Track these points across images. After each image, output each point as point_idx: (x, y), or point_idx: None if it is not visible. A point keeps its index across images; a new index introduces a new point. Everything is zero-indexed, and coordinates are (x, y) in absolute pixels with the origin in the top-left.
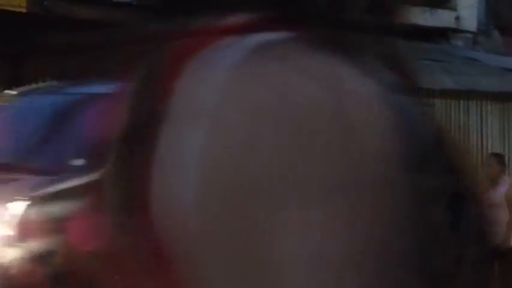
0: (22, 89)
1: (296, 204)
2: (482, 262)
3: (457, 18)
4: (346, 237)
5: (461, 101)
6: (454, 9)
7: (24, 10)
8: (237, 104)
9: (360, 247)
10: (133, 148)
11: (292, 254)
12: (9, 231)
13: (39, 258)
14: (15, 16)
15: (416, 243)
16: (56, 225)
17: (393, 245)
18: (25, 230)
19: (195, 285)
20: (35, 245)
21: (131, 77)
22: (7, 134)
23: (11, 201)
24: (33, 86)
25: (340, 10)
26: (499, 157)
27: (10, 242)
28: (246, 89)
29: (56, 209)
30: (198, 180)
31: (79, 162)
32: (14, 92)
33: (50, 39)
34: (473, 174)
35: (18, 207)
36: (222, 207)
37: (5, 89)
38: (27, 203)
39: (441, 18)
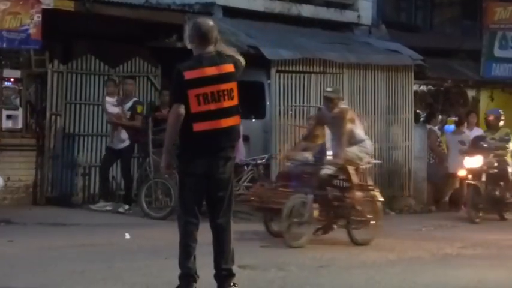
0: None
1: None
2: None
3: (358, 16)
4: None
5: (361, 71)
6: (356, 10)
7: (72, 9)
8: None
9: None
10: None
11: None
12: None
13: None
14: (66, 13)
15: None
16: None
17: None
18: None
19: None
20: None
21: None
22: None
23: None
24: None
25: None
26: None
27: None
28: None
29: None
30: None
31: None
32: None
33: (90, 29)
34: None
35: None
36: None
37: (59, 62)
38: None
39: (348, 16)
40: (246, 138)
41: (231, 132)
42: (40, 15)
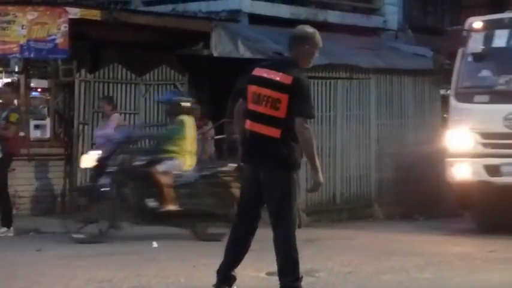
0: None
1: None
2: None
3: (385, 21)
4: None
5: (387, 76)
6: (382, 15)
7: (99, 18)
8: None
9: None
10: None
11: None
12: None
13: None
14: (93, 22)
15: None
16: None
17: None
18: None
19: None
20: None
21: None
22: None
23: None
24: None
25: None
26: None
27: None
28: None
29: None
30: None
31: None
32: None
33: (117, 38)
34: None
35: None
36: None
37: (86, 71)
38: None
39: (374, 21)
40: None
41: (264, 140)
42: (67, 24)
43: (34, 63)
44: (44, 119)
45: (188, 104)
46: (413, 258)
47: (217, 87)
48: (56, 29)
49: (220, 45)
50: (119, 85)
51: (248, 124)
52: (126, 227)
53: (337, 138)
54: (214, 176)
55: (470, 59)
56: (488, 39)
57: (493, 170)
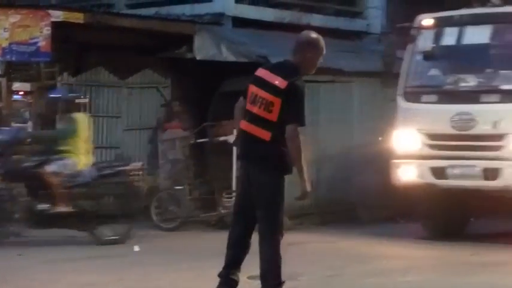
0: None
1: None
2: None
3: (368, 25)
4: None
5: (369, 78)
6: (365, 18)
7: (82, 21)
8: None
9: None
10: None
11: None
12: None
13: None
14: (76, 25)
15: None
16: None
17: None
18: None
19: None
20: None
21: None
22: None
23: None
24: None
25: None
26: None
27: None
28: None
29: None
30: None
31: None
32: None
33: (100, 41)
34: None
35: None
36: None
37: (69, 74)
38: None
39: (357, 25)
40: None
41: (255, 141)
42: (49, 28)
43: (16, 66)
44: (25, 122)
45: (80, 101)
46: (395, 261)
47: (201, 90)
48: (38, 32)
49: (204, 49)
50: (102, 88)
51: (243, 124)
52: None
53: (319, 141)
54: (115, 175)
55: (419, 57)
56: (437, 37)
57: (439, 173)
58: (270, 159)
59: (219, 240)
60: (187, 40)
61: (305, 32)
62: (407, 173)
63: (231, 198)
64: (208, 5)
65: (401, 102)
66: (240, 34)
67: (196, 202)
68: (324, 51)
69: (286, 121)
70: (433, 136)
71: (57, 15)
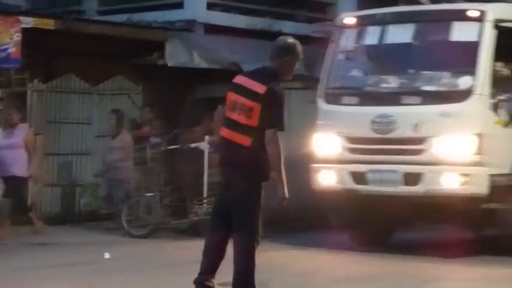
0: None
1: None
2: None
3: None
4: None
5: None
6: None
7: (53, 28)
8: None
9: None
10: None
11: None
12: None
13: None
14: (47, 32)
15: None
16: None
17: None
18: None
19: None
20: None
21: None
22: None
23: None
24: None
25: None
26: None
27: None
28: None
29: None
30: None
31: None
32: None
33: (71, 47)
34: None
35: None
36: None
37: (40, 81)
38: None
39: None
40: None
41: (235, 148)
42: (20, 34)
43: None
44: None
45: None
46: (367, 268)
47: (172, 96)
48: (8, 38)
49: (175, 55)
50: (72, 95)
51: (224, 131)
52: None
53: (290, 148)
54: None
55: (340, 57)
56: (360, 36)
57: (359, 178)
58: (251, 165)
59: (191, 247)
60: (158, 47)
61: (282, 38)
62: (327, 178)
63: (202, 205)
64: (180, 12)
65: (322, 105)
66: (212, 41)
67: (168, 209)
68: (301, 56)
69: (265, 126)
70: (353, 140)
71: (28, 21)
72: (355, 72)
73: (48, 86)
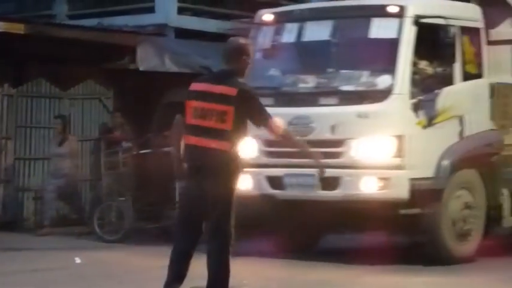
0: None
1: None
2: None
3: None
4: None
5: None
6: None
7: (22, 32)
8: None
9: None
10: None
11: None
12: None
13: None
14: (16, 36)
15: None
16: None
17: None
18: None
19: None
20: None
21: None
22: None
23: None
24: None
25: None
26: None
27: None
28: None
29: None
30: None
31: None
32: None
33: (42, 52)
34: None
35: None
36: None
37: (10, 86)
38: None
39: None
40: None
41: (212, 154)
42: None
43: None
44: None
45: None
46: (345, 270)
47: (144, 101)
48: None
49: (146, 59)
50: (43, 100)
51: (191, 139)
52: None
53: None
54: None
55: (258, 55)
56: (278, 33)
57: (276, 182)
58: (229, 169)
59: (163, 252)
60: (130, 51)
61: (234, 39)
62: (244, 183)
63: (174, 209)
64: (151, 16)
65: None
66: (183, 45)
67: (140, 213)
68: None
69: (258, 124)
70: (269, 142)
71: None
72: (273, 72)
73: (19, 90)
